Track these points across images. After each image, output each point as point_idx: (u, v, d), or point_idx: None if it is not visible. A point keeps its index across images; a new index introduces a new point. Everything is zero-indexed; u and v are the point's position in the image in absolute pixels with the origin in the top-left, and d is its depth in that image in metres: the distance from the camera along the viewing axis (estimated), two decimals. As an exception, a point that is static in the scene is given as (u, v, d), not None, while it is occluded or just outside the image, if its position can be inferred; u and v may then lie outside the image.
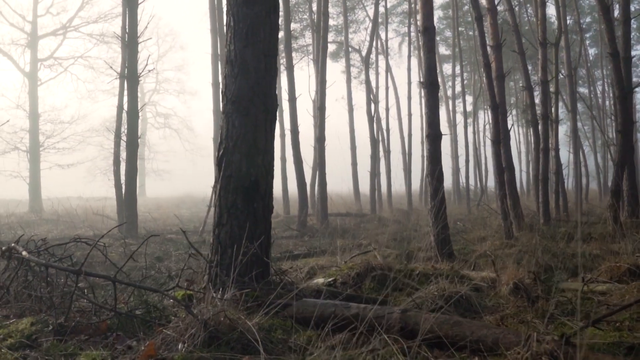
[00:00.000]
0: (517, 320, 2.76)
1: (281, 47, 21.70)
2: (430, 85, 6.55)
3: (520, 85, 26.90)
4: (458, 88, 26.65)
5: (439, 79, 28.30)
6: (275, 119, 3.22)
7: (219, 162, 3.13)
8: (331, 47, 22.71)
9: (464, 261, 5.77)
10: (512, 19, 13.06)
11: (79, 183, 23.97)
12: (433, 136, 6.57)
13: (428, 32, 6.62)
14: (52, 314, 2.55)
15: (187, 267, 3.05)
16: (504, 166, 9.36)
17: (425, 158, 21.97)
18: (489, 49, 9.79)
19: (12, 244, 3.13)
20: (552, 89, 13.08)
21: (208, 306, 2.28)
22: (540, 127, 11.76)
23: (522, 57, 12.73)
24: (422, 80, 6.44)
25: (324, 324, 2.51)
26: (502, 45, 10.48)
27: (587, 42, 27.93)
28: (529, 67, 15.38)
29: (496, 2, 10.47)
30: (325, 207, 12.14)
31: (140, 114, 11.20)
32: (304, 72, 33.43)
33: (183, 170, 29.03)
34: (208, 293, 2.45)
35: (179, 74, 35.58)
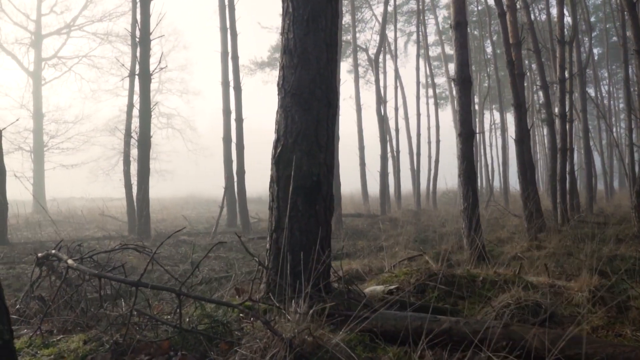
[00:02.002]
0: (613, 333, 2.51)
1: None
2: (463, 82, 6.33)
3: (525, 84, 26.74)
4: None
5: (444, 79, 27.62)
6: (337, 113, 2.97)
7: (277, 161, 2.87)
8: (337, 46, 22.44)
9: (501, 264, 5.53)
10: (528, 17, 12.86)
11: (81, 183, 23.62)
12: (465, 135, 6.34)
13: (460, 27, 6.39)
14: (103, 329, 2.29)
15: (253, 277, 2.78)
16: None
17: (432, 158, 21.83)
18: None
19: (53, 251, 2.86)
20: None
21: (292, 323, 2.03)
22: (558, 126, 11.57)
23: (538, 55, 12.53)
24: (454, 76, 6.21)
25: (409, 338, 2.26)
26: (521, 43, 10.29)
27: (592, 41, 27.79)
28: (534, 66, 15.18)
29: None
30: (339, 208, 11.90)
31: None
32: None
33: (186, 170, 28.67)
34: (283, 307, 2.20)
35: (182, 73, 35.13)
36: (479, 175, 23.56)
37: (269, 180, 2.98)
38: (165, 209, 21.06)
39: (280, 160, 2.87)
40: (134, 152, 11.44)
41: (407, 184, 22.36)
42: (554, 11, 28.61)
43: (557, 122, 11.70)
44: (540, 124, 24.58)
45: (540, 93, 26.49)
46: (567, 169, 12.51)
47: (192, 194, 29.41)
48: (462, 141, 6.38)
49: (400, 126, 19.02)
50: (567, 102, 12.45)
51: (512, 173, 22.52)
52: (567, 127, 12.73)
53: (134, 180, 11.12)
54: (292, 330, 1.96)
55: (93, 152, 21.07)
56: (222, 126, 13.34)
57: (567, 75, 12.11)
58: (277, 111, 2.95)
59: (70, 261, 2.56)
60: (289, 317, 2.27)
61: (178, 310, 2.22)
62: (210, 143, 29.27)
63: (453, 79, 6.48)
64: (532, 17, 22.43)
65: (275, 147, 2.92)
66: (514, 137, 9.26)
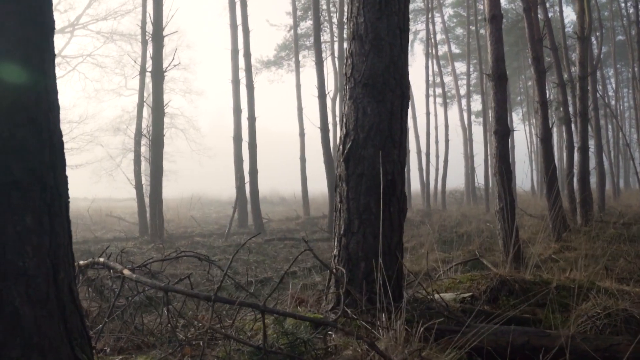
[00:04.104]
0: None
1: (307, 42, 21.12)
2: (499, 78, 6.08)
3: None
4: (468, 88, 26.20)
5: (450, 78, 27.17)
6: (409, 105, 2.72)
7: (346, 158, 2.62)
8: (343, 44, 22.11)
9: (535, 266, 5.30)
10: (545, 13, 12.63)
11: (84, 184, 23.32)
12: (501, 133, 6.10)
13: (496, 21, 6.15)
14: (172, 350, 2.03)
15: (326, 287, 2.52)
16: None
17: (440, 158, 21.58)
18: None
19: (101, 259, 2.60)
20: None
21: (398, 344, 1.78)
22: (578, 125, 11.36)
23: (555, 52, 12.32)
24: (489, 72, 5.97)
25: (515, 356, 2.02)
26: (542, 39, 10.07)
27: (602, 39, 27.59)
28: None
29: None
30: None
31: (144, 111, 10.64)
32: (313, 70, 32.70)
33: (189, 170, 28.34)
34: (382, 322, 1.95)
35: (185, 72, 34.65)
36: (484, 174, 23.32)
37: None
38: (172, 210, 20.79)
39: (350, 157, 2.61)
40: (141, 151, 11.18)
41: (414, 184, 22.13)
42: (564, 8, 28.35)
43: (576, 120, 11.49)
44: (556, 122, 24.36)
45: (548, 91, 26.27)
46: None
47: (196, 194, 29.06)
48: (497, 139, 6.13)
49: (410, 125, 18.79)
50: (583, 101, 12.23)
51: (517, 174, 22.35)
52: (583, 125, 12.51)
53: (144, 180, 10.86)
54: (401, 352, 1.72)
55: (98, 152, 20.76)
56: (233, 125, 13.06)
57: (587, 72, 11.89)
58: (345, 103, 2.69)
59: (126, 271, 2.29)
60: (382, 332, 2.02)
61: (262, 328, 1.96)
62: (214, 143, 28.92)
63: (488, 74, 6.24)
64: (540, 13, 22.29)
65: (343, 142, 2.66)
66: (538, 135, 9.05)
